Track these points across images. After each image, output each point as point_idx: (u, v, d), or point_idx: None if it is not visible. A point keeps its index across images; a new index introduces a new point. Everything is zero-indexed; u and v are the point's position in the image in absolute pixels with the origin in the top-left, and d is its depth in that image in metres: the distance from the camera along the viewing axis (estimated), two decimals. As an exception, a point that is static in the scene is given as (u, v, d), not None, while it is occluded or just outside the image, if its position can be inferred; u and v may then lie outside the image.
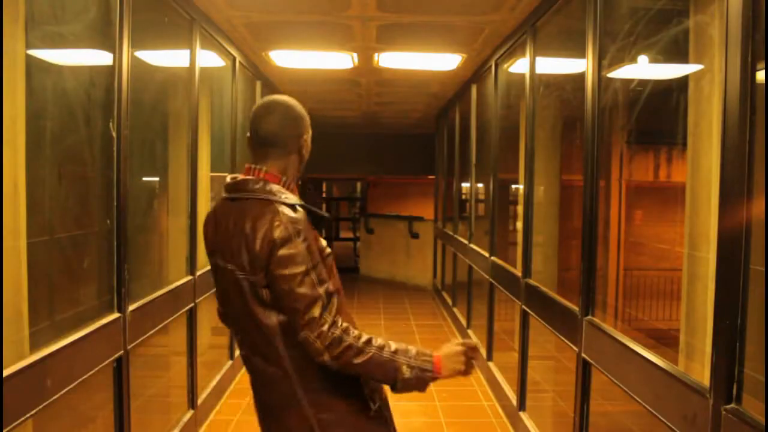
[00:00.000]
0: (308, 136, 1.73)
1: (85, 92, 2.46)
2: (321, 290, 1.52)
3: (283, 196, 1.59)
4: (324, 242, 1.69)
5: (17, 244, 1.83)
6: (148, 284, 2.97)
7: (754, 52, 1.47)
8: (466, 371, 1.62)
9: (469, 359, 1.62)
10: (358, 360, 1.52)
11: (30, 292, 1.89)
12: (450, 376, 1.60)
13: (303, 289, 1.51)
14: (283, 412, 1.67)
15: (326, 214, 1.79)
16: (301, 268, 1.51)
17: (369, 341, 1.54)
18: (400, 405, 4.15)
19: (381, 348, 1.54)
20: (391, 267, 9.40)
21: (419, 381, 1.56)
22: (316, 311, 1.50)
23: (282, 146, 1.66)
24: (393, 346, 1.57)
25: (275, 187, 1.61)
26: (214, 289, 3.40)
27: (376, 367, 1.54)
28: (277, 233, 1.51)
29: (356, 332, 1.55)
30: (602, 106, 2.56)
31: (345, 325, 1.54)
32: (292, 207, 1.58)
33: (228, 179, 1.68)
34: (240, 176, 1.66)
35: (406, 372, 1.54)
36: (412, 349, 1.58)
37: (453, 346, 1.62)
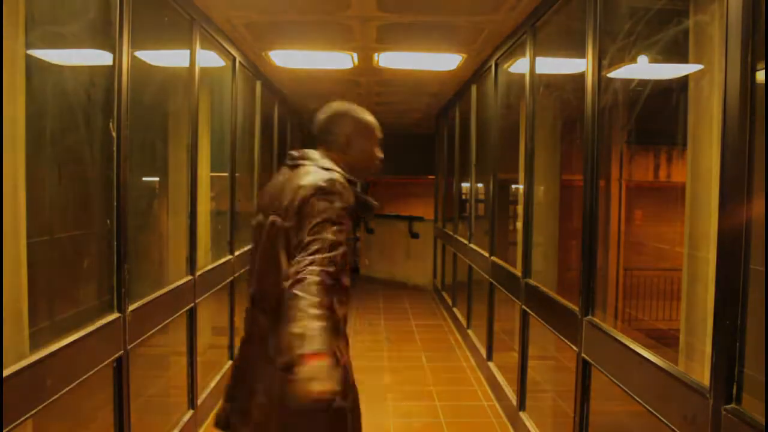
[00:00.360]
0: (360, 139, 1.90)
1: (85, 92, 2.46)
2: (330, 237, 1.62)
3: (338, 169, 1.81)
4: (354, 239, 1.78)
5: (17, 244, 1.83)
6: (149, 284, 2.97)
7: (754, 52, 1.47)
8: (313, 391, 1.45)
9: (324, 396, 1.46)
10: (296, 290, 1.53)
11: (30, 292, 1.89)
12: (305, 379, 1.45)
13: (316, 231, 1.63)
14: (258, 371, 1.75)
15: (375, 204, 1.92)
16: (324, 217, 1.64)
17: (321, 301, 1.52)
18: (401, 405, 4.17)
19: (318, 305, 1.52)
20: (391, 267, 9.41)
21: (292, 346, 1.49)
22: (313, 247, 1.60)
23: (326, 141, 1.90)
24: (317, 318, 1.51)
25: (333, 162, 1.84)
26: (214, 289, 3.49)
27: (294, 306, 1.52)
28: (324, 184, 1.70)
29: (322, 289, 1.54)
30: (602, 106, 2.56)
31: (324, 274, 1.57)
32: (348, 180, 1.78)
33: (292, 152, 1.92)
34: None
35: (295, 327, 1.49)
36: (322, 333, 1.50)
37: (336, 380, 1.48)
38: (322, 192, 1.68)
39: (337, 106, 1.94)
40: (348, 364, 1.83)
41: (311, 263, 1.57)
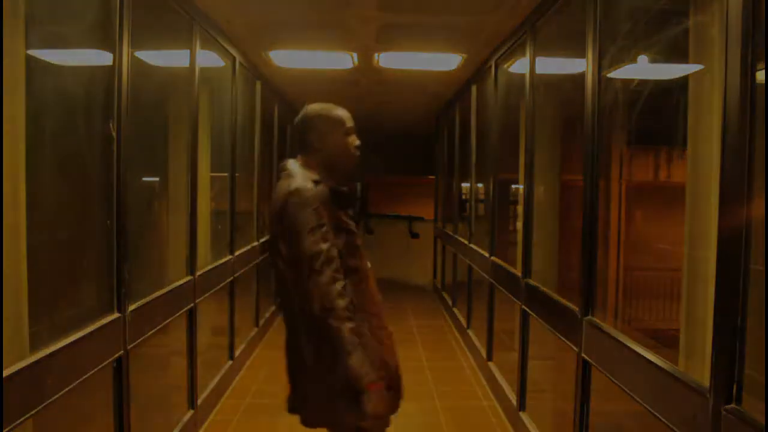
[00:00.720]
0: (330, 135, 1.99)
1: (85, 92, 2.45)
2: (323, 246, 1.74)
3: (308, 173, 1.91)
4: (351, 223, 1.93)
5: (17, 244, 1.83)
6: (148, 284, 2.97)
7: (754, 52, 1.46)
8: (366, 412, 1.82)
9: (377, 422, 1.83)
10: (333, 322, 1.70)
11: (30, 292, 1.89)
12: (372, 405, 1.82)
13: (307, 244, 1.73)
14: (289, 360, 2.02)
15: (344, 189, 2.00)
16: (304, 230, 1.75)
17: (350, 318, 1.73)
18: (401, 405, 4.15)
19: (351, 330, 1.72)
20: (391, 267, 9.40)
21: (354, 376, 1.74)
22: (317, 264, 1.71)
23: (302, 147, 2.01)
24: (360, 345, 1.75)
25: (304, 168, 1.94)
26: (214, 289, 3.53)
27: (338, 337, 1.71)
28: (290, 198, 1.80)
29: (347, 301, 1.73)
30: (602, 106, 2.55)
31: (341, 286, 1.73)
32: (314, 182, 1.87)
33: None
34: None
35: (353, 359, 1.72)
36: (368, 359, 1.78)
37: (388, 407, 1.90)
38: (291, 205, 1.80)
39: (304, 111, 2.05)
40: (379, 338, 1.99)
41: (327, 283, 1.71)
